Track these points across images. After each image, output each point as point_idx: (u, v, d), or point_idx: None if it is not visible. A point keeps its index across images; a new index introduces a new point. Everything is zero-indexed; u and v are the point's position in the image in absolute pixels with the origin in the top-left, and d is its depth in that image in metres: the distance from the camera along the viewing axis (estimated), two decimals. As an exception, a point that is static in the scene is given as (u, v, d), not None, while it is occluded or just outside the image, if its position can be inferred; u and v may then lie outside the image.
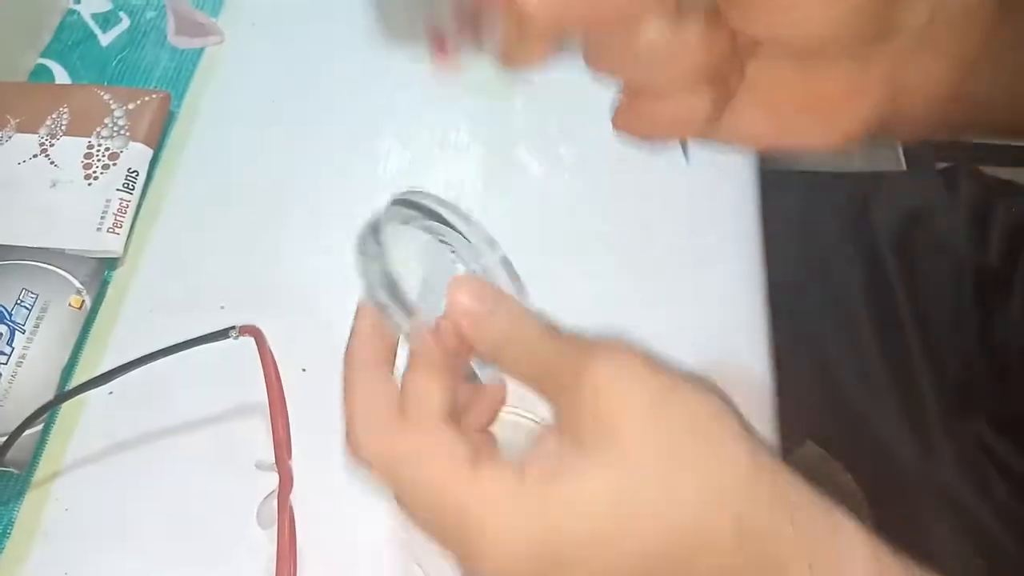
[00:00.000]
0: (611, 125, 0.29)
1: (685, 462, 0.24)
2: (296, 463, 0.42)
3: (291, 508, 0.39)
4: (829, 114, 0.28)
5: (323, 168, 0.51)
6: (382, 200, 0.51)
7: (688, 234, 0.49)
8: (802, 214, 0.66)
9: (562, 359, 0.25)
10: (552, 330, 0.26)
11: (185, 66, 0.55)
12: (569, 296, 0.47)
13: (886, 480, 0.58)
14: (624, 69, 0.27)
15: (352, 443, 0.27)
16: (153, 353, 0.42)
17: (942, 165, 0.80)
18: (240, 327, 0.42)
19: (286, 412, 0.43)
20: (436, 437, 0.26)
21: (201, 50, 0.56)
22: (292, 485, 0.39)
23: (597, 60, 0.27)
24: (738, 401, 0.44)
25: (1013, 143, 1.03)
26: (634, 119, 0.28)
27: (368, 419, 0.27)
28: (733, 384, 0.44)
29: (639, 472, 0.24)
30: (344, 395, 0.28)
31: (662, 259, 0.48)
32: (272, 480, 0.40)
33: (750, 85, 0.28)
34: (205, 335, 0.42)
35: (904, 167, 1.07)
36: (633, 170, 0.51)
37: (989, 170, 0.67)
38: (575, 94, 0.55)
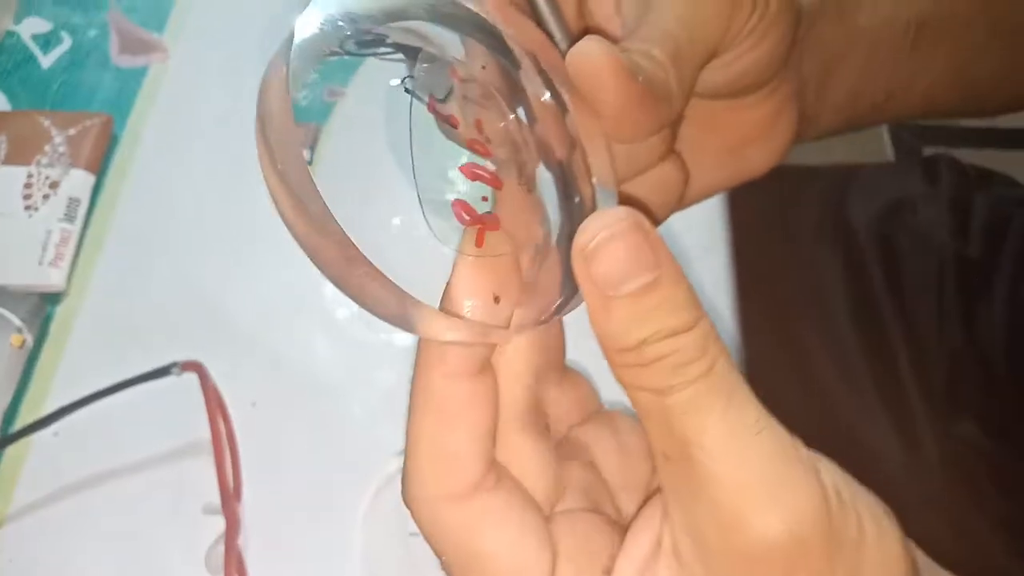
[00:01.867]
0: None
1: None
2: (248, 500, 0.41)
3: (239, 552, 0.38)
4: (766, 136, 0.29)
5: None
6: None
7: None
8: (779, 208, 0.64)
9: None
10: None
11: (128, 86, 0.53)
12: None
13: (868, 482, 0.57)
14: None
15: (409, 493, 0.21)
16: (96, 393, 0.41)
17: (929, 152, 0.78)
18: (182, 363, 0.40)
19: (235, 451, 0.42)
20: (519, 533, 0.20)
21: (145, 69, 0.54)
22: (239, 529, 0.38)
23: None
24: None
25: (1000, 125, 1.01)
26: None
27: (435, 469, 0.20)
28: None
29: None
30: (410, 416, 0.21)
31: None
32: (220, 524, 0.38)
33: (687, 143, 0.28)
34: (146, 373, 0.40)
35: (891, 157, 1.06)
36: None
37: (977, 156, 0.65)
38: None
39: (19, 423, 0.43)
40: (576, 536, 0.21)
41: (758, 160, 0.29)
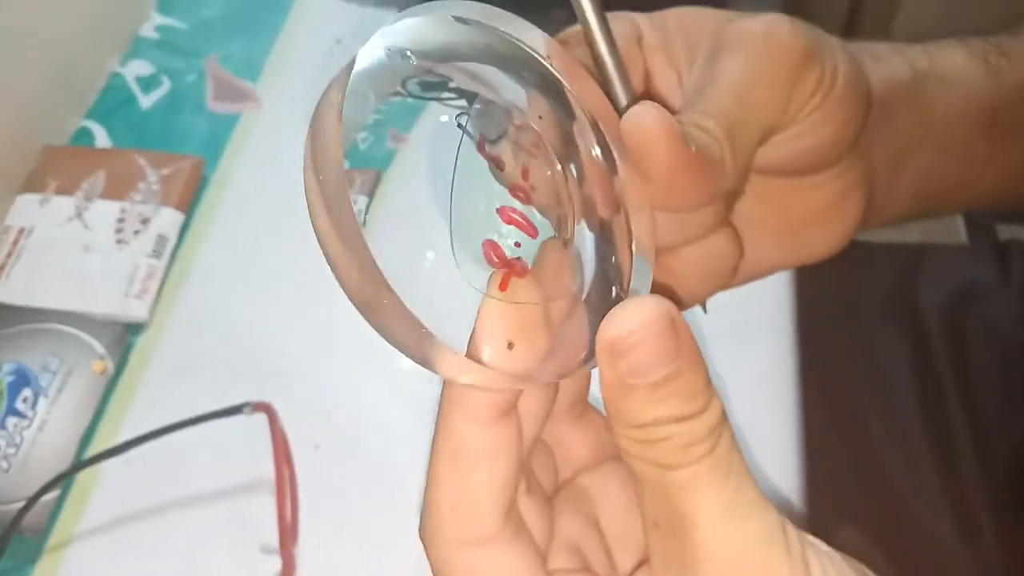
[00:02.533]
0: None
1: None
2: (303, 542, 0.42)
3: (293, 595, 0.38)
4: (828, 220, 0.28)
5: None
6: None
7: (718, 308, 0.48)
8: (845, 288, 0.64)
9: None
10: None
11: (221, 131, 0.56)
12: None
13: (924, 566, 0.55)
14: None
15: (425, 532, 0.21)
16: (169, 426, 0.42)
17: (1003, 230, 0.77)
18: (253, 404, 0.42)
19: (295, 492, 0.43)
20: None
21: (238, 116, 0.57)
22: (294, 571, 0.38)
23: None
24: (767, 483, 0.42)
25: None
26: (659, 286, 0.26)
27: (452, 514, 0.20)
28: (761, 464, 0.43)
29: None
30: (432, 456, 0.21)
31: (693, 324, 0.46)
32: (275, 565, 0.39)
33: (745, 219, 0.28)
34: (219, 411, 0.42)
35: (964, 235, 1.04)
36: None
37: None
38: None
39: (94, 449, 0.45)
40: None
41: (818, 244, 0.29)
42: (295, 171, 0.62)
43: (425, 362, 0.18)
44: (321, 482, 0.43)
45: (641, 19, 0.27)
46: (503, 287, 0.19)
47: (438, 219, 0.20)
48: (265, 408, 0.41)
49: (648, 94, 0.26)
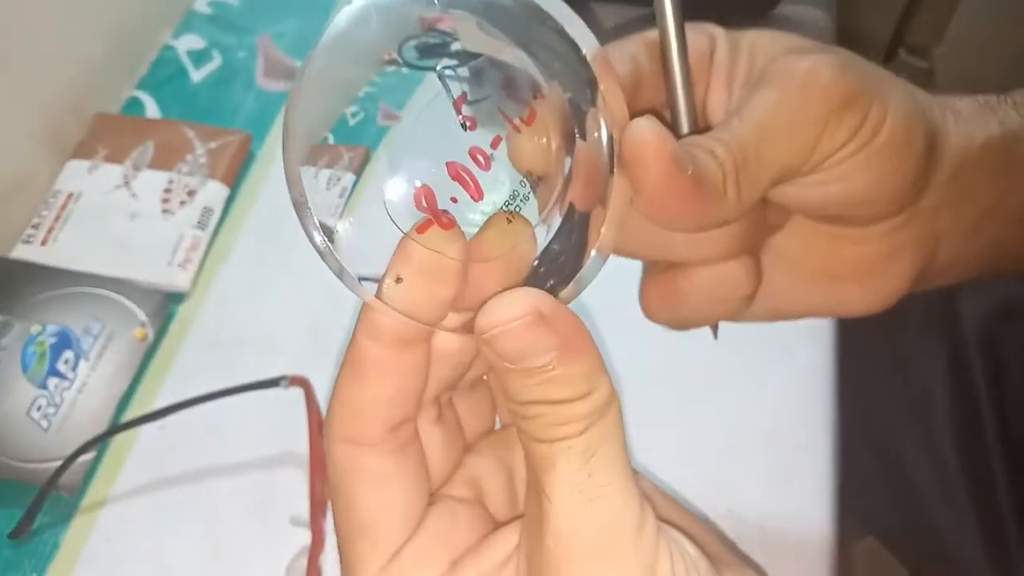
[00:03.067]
0: (640, 304, 0.27)
1: None
2: (330, 521, 0.42)
3: (320, 569, 0.39)
4: (870, 277, 0.27)
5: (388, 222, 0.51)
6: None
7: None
8: None
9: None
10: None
11: (269, 108, 0.56)
12: (637, 366, 0.46)
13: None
14: (658, 251, 0.25)
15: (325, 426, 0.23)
16: (206, 395, 0.43)
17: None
18: (290, 377, 0.42)
19: (324, 468, 0.43)
20: None
21: (286, 94, 0.57)
22: (323, 546, 0.39)
23: (624, 245, 0.25)
24: (796, 483, 0.42)
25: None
26: (668, 299, 0.26)
27: (341, 414, 0.22)
28: (794, 468, 0.42)
29: None
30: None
31: (729, 342, 0.46)
32: (304, 537, 0.40)
33: (780, 257, 0.27)
34: (256, 382, 0.42)
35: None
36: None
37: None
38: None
39: (130, 413, 0.46)
40: (443, 521, 0.22)
41: (855, 301, 0.27)
42: None
43: (346, 283, 0.21)
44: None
45: (720, 34, 0.26)
46: (420, 231, 0.20)
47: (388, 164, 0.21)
48: (302, 382, 0.42)
49: (703, 113, 0.26)
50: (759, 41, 0.25)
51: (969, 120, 0.27)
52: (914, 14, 0.96)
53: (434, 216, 0.20)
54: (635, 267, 0.28)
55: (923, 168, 0.25)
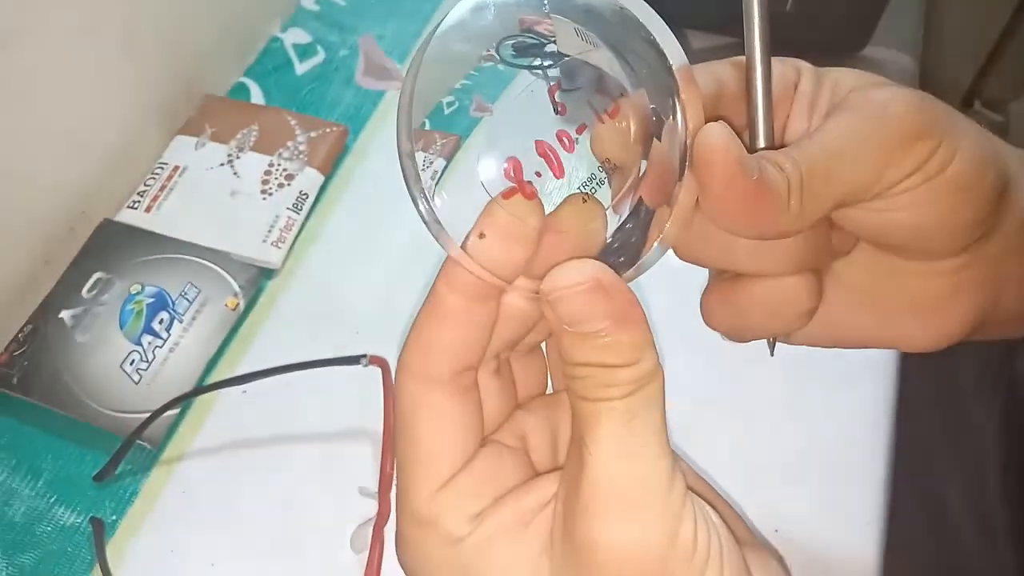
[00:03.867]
0: (700, 309, 0.28)
1: None
2: (394, 497, 0.44)
3: (384, 539, 0.41)
4: (930, 313, 0.27)
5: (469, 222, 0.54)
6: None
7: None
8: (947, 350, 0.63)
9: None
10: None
11: (366, 105, 0.59)
12: (697, 392, 0.47)
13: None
14: (722, 259, 0.26)
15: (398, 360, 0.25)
16: (288, 365, 0.46)
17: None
18: (370, 356, 0.45)
19: (392, 446, 0.45)
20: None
21: (382, 93, 0.60)
22: (389, 517, 0.41)
23: (690, 251, 0.26)
24: (845, 513, 0.43)
25: None
26: (728, 307, 0.27)
27: (412, 348, 0.24)
28: (845, 501, 0.43)
29: None
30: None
31: (793, 369, 0.47)
32: (371, 508, 0.42)
33: (844, 282, 0.28)
34: (338, 358, 0.45)
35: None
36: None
37: None
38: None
39: (215, 376, 0.49)
40: (491, 462, 0.24)
41: (914, 335, 0.28)
42: None
43: (436, 236, 0.23)
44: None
45: (806, 68, 0.27)
46: (506, 196, 0.22)
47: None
48: (381, 362, 0.44)
49: (781, 138, 0.27)
50: (843, 77, 0.27)
51: None
52: (994, 66, 0.97)
53: (519, 185, 0.22)
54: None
55: (991, 210, 0.25)
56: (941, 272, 0.26)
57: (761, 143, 0.26)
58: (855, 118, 0.24)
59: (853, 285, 0.28)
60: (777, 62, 0.26)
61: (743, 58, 0.26)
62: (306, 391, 0.46)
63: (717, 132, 0.22)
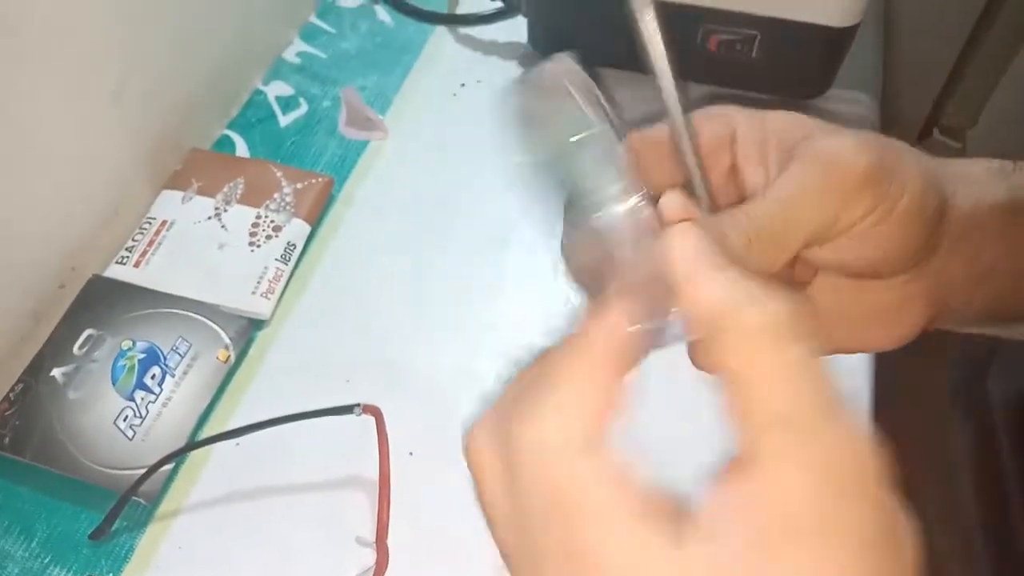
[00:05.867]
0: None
1: None
2: (391, 542, 0.45)
3: (383, 587, 0.41)
4: (887, 321, 0.30)
5: (455, 268, 0.55)
6: (501, 305, 0.54)
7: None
8: (919, 371, 0.65)
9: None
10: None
11: (350, 155, 0.61)
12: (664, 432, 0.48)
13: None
14: None
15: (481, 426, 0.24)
16: (281, 417, 0.46)
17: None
18: (364, 406, 0.45)
19: (389, 494, 0.46)
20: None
21: (366, 143, 0.61)
22: (387, 566, 0.42)
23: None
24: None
25: None
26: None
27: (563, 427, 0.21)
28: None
29: None
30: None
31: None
32: (368, 557, 0.42)
33: (824, 304, 0.30)
34: (331, 408, 0.45)
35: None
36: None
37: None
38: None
39: (209, 430, 0.49)
40: None
41: (877, 340, 0.31)
42: (413, 200, 0.68)
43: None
44: (412, 488, 0.46)
45: (740, 117, 0.30)
46: None
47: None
48: (374, 411, 0.45)
49: (737, 187, 0.30)
50: (783, 122, 0.29)
51: (980, 184, 0.30)
52: (950, 96, 1.00)
53: None
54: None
55: (934, 232, 0.28)
56: (892, 287, 0.29)
57: (703, 201, 0.29)
58: (809, 169, 0.26)
59: (821, 306, 0.30)
60: (706, 119, 0.29)
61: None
62: (299, 442, 0.47)
63: (676, 201, 0.26)
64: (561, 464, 0.21)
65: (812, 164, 0.26)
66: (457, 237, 0.57)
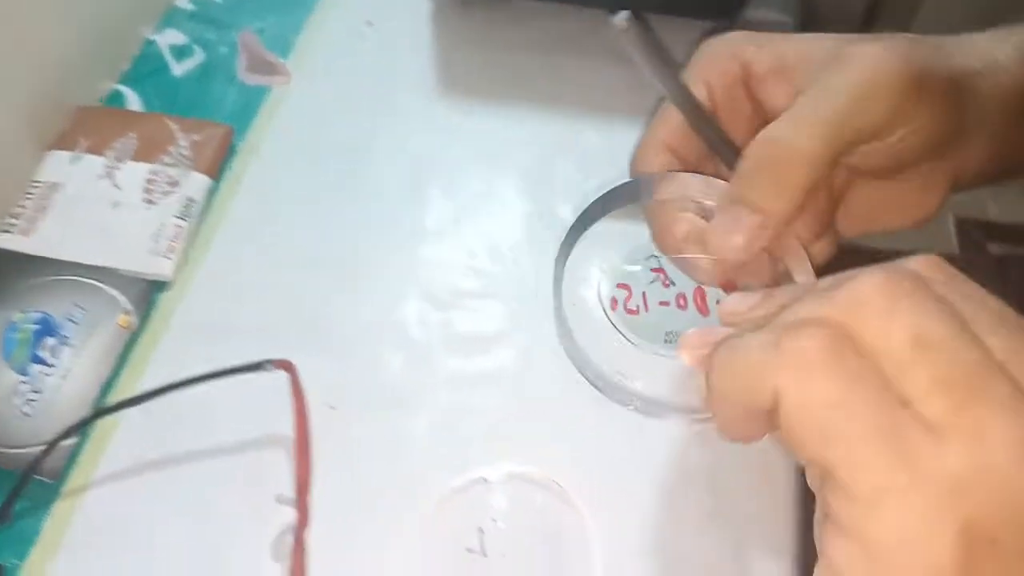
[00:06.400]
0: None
1: None
2: (314, 500, 0.43)
3: (305, 545, 0.40)
4: (911, 209, 0.32)
5: (369, 213, 0.53)
6: (424, 249, 0.52)
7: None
8: None
9: None
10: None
11: (251, 103, 0.57)
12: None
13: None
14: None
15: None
16: (189, 379, 0.43)
17: (994, 249, 0.78)
18: (274, 361, 0.43)
19: (309, 449, 0.44)
20: None
21: (268, 89, 0.58)
22: (308, 523, 0.40)
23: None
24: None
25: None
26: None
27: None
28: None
29: None
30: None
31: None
32: (290, 515, 0.40)
33: (851, 212, 0.32)
34: (240, 366, 0.43)
35: (956, 248, 1.06)
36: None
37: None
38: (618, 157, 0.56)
39: (114, 398, 0.46)
40: None
41: (901, 223, 0.33)
42: (320, 146, 0.65)
43: None
44: (334, 442, 0.44)
45: (748, 49, 0.31)
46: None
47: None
48: (286, 366, 0.43)
49: (764, 122, 0.30)
50: (803, 48, 0.30)
51: (1002, 67, 0.31)
52: (873, 24, 0.99)
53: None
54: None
55: (960, 122, 0.29)
56: (913, 176, 0.31)
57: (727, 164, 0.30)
58: (860, 72, 0.27)
59: (857, 212, 0.32)
60: (711, 62, 0.31)
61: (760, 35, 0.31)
62: (211, 405, 0.44)
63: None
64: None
65: (863, 68, 0.27)
66: (371, 182, 0.54)
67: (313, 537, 0.41)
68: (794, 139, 0.27)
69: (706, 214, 0.31)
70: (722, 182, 0.30)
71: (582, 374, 0.30)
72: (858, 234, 0.33)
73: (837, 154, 0.27)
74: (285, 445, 0.43)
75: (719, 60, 0.31)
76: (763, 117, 0.31)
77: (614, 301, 0.28)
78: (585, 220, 0.31)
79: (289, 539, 0.39)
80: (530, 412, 0.46)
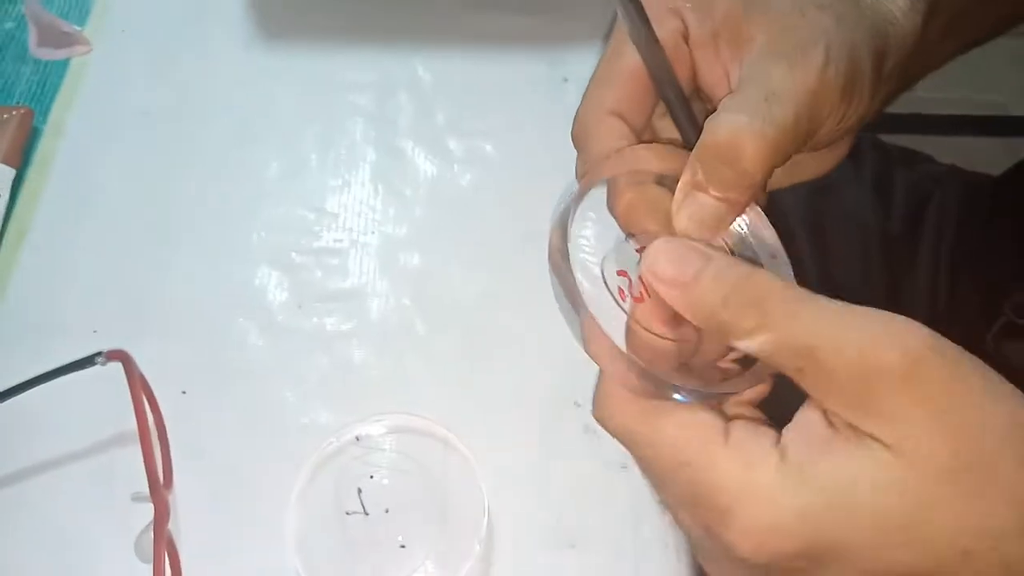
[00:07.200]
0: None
1: (986, 481, 0.21)
2: (180, 488, 0.41)
3: (170, 538, 0.37)
4: (818, 159, 0.33)
5: (201, 180, 0.49)
6: (265, 211, 0.49)
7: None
8: None
9: (821, 334, 0.23)
10: (794, 294, 0.23)
11: (50, 79, 0.52)
12: (462, 293, 0.46)
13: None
14: None
15: (599, 412, 0.27)
16: (17, 386, 0.40)
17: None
18: (107, 352, 0.40)
19: (164, 438, 0.41)
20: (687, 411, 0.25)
21: (67, 61, 0.53)
22: (168, 515, 0.37)
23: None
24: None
25: (911, 112, 1.05)
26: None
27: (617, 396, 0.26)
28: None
29: (934, 479, 0.21)
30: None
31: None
32: (148, 511, 0.38)
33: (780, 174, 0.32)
34: (70, 364, 0.39)
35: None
36: (519, 158, 0.50)
37: (890, 139, 0.67)
38: (461, 86, 0.54)
39: (-62, 421, 0.42)
40: None
41: (810, 174, 0.34)
42: (133, 116, 0.60)
43: None
44: (191, 427, 0.42)
45: (684, 8, 0.30)
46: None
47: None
48: (120, 355, 0.39)
49: (696, 91, 0.31)
50: (731, 10, 0.29)
51: (901, 26, 0.31)
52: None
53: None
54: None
55: (886, 89, 0.30)
56: (831, 126, 0.31)
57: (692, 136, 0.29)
58: (806, 72, 0.27)
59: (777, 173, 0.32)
60: (661, 19, 0.29)
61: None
62: (49, 410, 0.41)
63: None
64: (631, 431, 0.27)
65: (808, 67, 0.27)
66: (196, 147, 0.50)
67: (183, 528, 0.39)
68: (760, 135, 0.27)
69: (666, 182, 0.29)
70: (679, 152, 0.28)
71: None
72: (781, 187, 0.33)
73: (798, 149, 0.28)
74: (131, 440, 0.40)
75: (666, 20, 0.30)
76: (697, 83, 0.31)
77: (620, 291, 0.26)
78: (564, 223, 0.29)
79: (150, 536, 0.37)
80: (400, 363, 0.44)
